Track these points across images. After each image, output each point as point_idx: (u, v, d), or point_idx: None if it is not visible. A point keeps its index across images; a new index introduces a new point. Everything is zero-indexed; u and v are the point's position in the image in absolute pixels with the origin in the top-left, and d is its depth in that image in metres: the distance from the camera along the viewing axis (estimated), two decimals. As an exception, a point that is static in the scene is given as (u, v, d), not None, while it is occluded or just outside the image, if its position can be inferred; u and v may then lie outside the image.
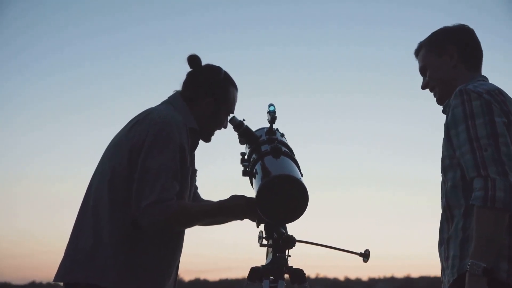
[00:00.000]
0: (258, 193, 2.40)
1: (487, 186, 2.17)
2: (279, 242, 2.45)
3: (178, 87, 2.94)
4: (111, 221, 2.61)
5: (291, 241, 2.42)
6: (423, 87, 2.70)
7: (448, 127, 2.40)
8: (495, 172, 2.18)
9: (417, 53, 2.73)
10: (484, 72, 2.68)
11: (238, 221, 2.76)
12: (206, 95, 2.86)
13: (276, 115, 2.67)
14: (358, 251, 2.57)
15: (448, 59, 2.60)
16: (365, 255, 2.56)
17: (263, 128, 2.83)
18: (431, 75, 2.64)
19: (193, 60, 2.89)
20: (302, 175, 2.55)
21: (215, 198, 3.09)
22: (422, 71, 2.70)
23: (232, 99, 2.92)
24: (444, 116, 2.53)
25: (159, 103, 2.88)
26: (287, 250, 2.48)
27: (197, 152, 2.90)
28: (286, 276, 2.49)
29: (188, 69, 2.93)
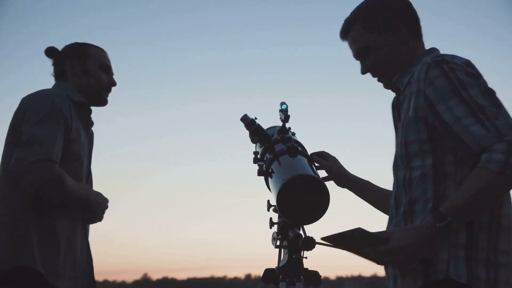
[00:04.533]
0: (279, 193, 2.34)
1: (510, 152, 1.83)
2: (296, 243, 2.39)
3: None
4: (3, 200, 2.65)
5: (311, 243, 2.36)
6: (366, 71, 2.30)
7: (430, 103, 2.03)
8: None
9: (346, 33, 2.32)
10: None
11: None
12: (68, 61, 2.92)
13: (289, 113, 2.62)
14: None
15: (395, 34, 2.24)
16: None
17: (274, 127, 2.76)
18: (376, 56, 2.26)
19: (50, 52, 2.97)
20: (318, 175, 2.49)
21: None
22: (362, 53, 2.28)
23: (94, 53, 2.96)
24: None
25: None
26: (302, 252, 2.43)
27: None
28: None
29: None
